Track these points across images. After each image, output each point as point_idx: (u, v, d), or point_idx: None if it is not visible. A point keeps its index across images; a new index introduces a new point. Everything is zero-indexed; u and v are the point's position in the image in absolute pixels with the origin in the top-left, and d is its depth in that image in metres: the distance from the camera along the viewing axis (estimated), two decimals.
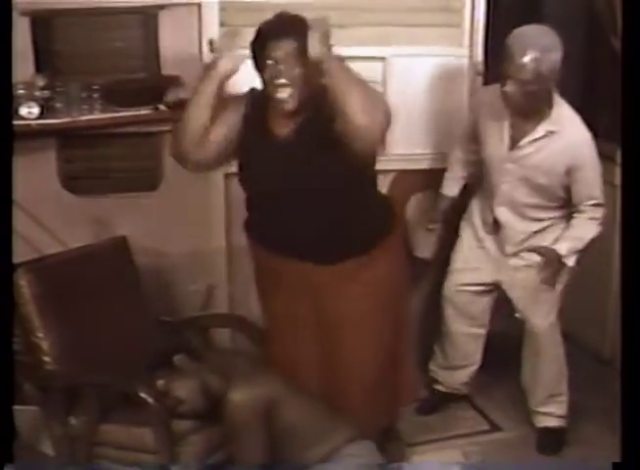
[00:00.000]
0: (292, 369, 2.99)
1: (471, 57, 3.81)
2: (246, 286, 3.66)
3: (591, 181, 3.29)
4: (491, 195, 3.45)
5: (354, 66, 3.49)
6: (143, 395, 2.75)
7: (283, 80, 2.70)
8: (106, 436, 2.92)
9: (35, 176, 3.56)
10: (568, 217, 3.39)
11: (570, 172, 3.26)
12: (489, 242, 3.53)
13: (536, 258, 3.36)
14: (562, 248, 3.29)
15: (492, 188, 3.43)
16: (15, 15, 3.31)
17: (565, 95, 3.31)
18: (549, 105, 3.23)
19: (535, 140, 3.26)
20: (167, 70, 3.61)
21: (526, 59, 3.04)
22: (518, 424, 3.61)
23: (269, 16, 3.53)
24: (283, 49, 2.69)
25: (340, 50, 3.59)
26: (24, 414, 3.10)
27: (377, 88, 3.21)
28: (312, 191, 2.77)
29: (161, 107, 3.56)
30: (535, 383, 3.54)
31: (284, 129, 2.79)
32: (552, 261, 3.29)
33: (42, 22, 3.49)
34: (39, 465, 3.11)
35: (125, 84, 3.58)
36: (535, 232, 3.41)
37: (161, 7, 3.55)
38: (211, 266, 3.82)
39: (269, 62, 2.71)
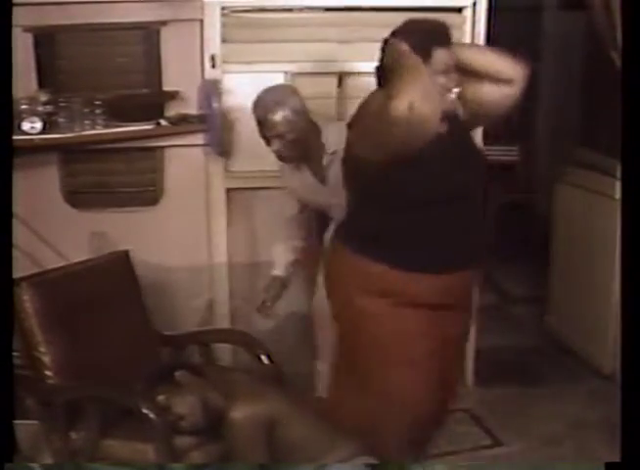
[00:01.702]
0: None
1: None
2: (247, 301, 3.68)
3: None
4: None
5: (357, 81, 3.56)
6: (145, 410, 2.74)
7: (455, 87, 2.73)
8: (107, 451, 2.90)
9: (38, 191, 3.58)
10: None
11: None
12: None
13: None
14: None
15: None
16: (18, 31, 3.34)
17: (565, 111, 3.33)
18: (317, 135, 3.22)
19: (330, 165, 3.21)
20: (169, 85, 3.63)
21: (277, 115, 3.10)
22: (520, 439, 3.60)
23: (271, 32, 3.62)
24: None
25: (341, 65, 3.66)
26: (25, 429, 3.09)
27: None
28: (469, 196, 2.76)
29: (163, 122, 3.58)
30: None
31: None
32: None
33: (45, 38, 3.51)
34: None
35: (127, 100, 3.60)
36: None
37: (164, 23, 3.57)
38: (213, 281, 3.82)
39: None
